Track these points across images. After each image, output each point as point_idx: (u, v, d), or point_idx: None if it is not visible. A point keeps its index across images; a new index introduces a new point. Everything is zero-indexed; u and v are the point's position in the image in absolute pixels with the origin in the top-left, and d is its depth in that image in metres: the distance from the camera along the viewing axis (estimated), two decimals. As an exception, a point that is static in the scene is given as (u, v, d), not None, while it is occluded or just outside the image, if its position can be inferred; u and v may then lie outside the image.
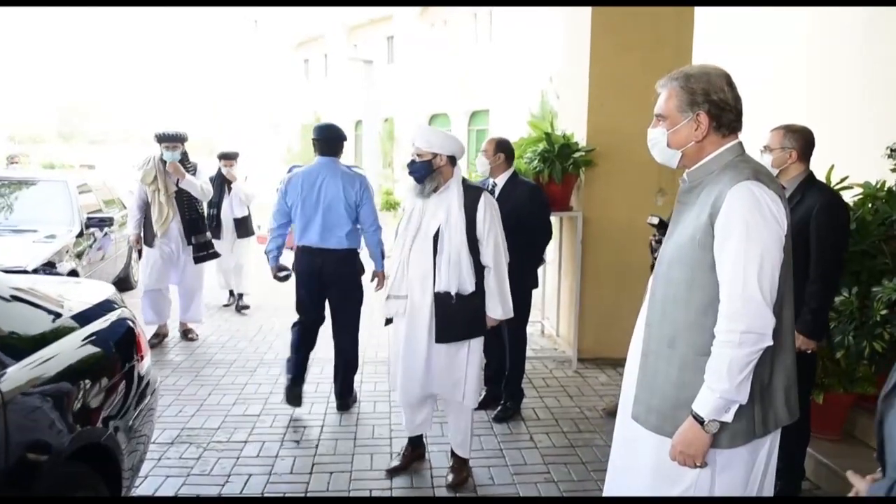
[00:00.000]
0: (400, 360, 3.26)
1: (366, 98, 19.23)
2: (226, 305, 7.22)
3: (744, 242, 1.70)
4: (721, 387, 1.71)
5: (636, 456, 1.98)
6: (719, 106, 1.80)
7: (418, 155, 3.17)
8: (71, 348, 2.24)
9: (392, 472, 3.48)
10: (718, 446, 1.79)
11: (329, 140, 4.20)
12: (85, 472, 2.17)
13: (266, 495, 3.26)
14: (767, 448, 1.88)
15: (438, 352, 3.22)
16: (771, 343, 1.72)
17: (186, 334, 5.92)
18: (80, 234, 6.15)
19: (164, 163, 5.47)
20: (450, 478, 3.40)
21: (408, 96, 25.02)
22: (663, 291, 1.90)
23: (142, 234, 5.62)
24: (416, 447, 3.60)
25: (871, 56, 6.12)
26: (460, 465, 3.45)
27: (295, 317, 4.31)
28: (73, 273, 5.56)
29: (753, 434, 1.80)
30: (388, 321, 3.38)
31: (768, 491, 1.94)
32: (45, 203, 6.38)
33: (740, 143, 1.85)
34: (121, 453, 2.39)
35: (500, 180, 4.11)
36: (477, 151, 4.26)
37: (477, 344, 3.27)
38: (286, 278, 4.26)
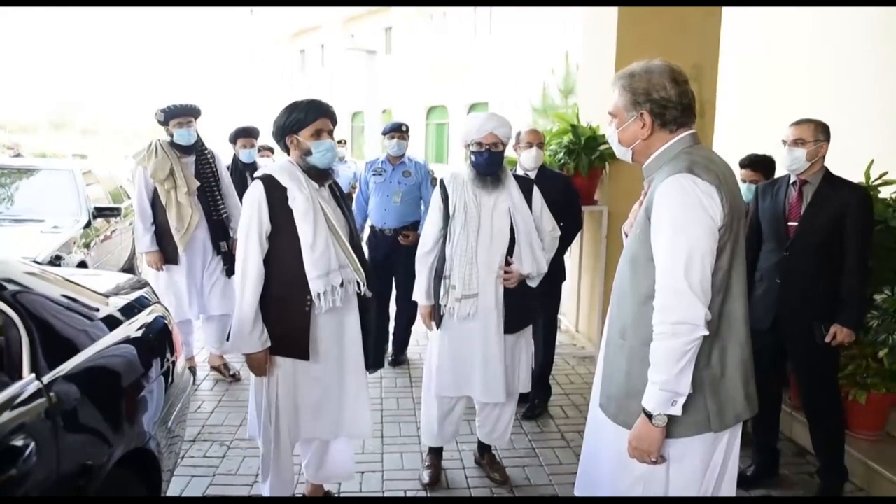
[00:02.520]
0: (477, 365, 3.05)
1: (367, 89, 19.05)
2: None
3: (672, 235, 1.71)
4: (660, 378, 1.72)
5: (601, 443, 2.01)
6: (661, 104, 1.82)
7: (495, 145, 3.00)
8: (116, 349, 2.12)
9: (429, 487, 3.29)
10: (670, 436, 1.80)
11: None
12: (130, 478, 2.06)
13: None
14: (726, 443, 1.88)
15: (511, 345, 3.12)
16: (706, 333, 1.70)
17: (225, 370, 4.65)
18: (87, 225, 6.00)
19: (179, 148, 4.23)
20: (496, 476, 3.33)
21: (406, 87, 24.85)
22: (618, 284, 1.95)
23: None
24: (438, 455, 3.42)
25: (876, 55, 6.04)
26: (495, 460, 3.40)
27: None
28: (83, 264, 5.41)
29: (708, 427, 1.81)
30: (439, 323, 3.12)
31: (729, 487, 1.93)
32: (50, 192, 6.19)
33: (691, 135, 1.84)
34: (161, 456, 2.29)
35: (533, 172, 4.00)
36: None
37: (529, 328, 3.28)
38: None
